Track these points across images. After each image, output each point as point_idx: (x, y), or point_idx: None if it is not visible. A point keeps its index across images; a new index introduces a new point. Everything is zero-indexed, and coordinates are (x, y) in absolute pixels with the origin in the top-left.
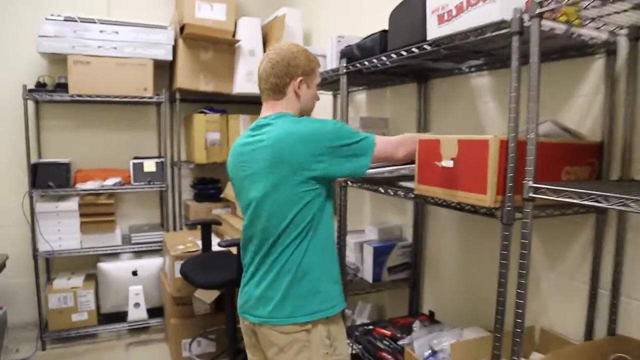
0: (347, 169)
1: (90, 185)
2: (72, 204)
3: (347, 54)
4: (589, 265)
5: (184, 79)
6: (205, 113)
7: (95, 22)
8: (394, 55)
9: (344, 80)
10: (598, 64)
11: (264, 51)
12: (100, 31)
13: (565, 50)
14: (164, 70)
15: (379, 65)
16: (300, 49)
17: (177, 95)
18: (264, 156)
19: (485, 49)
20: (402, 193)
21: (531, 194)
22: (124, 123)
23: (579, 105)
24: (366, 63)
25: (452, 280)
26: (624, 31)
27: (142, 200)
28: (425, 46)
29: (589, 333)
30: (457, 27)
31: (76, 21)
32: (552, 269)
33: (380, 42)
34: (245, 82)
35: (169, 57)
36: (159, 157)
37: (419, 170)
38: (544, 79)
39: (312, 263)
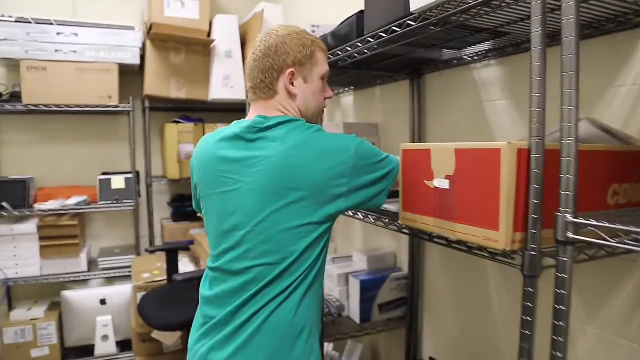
0: (366, 197)
1: (50, 205)
2: (31, 226)
3: None
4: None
5: (153, 85)
6: (178, 123)
7: (52, 24)
8: (370, 40)
9: None
10: None
11: (243, 52)
12: (58, 33)
13: (602, 22)
14: (135, 76)
15: (355, 54)
16: (291, 31)
17: (147, 104)
18: (265, 176)
19: (491, 25)
20: (386, 220)
21: (570, 234)
22: (93, 135)
23: (623, 97)
24: (339, 53)
25: (457, 322)
26: None
27: (114, 220)
28: (410, 22)
29: None
30: None
31: (30, 22)
32: (591, 321)
33: (357, 25)
34: (222, 87)
35: (136, 61)
36: (130, 172)
37: (404, 192)
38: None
39: (306, 319)
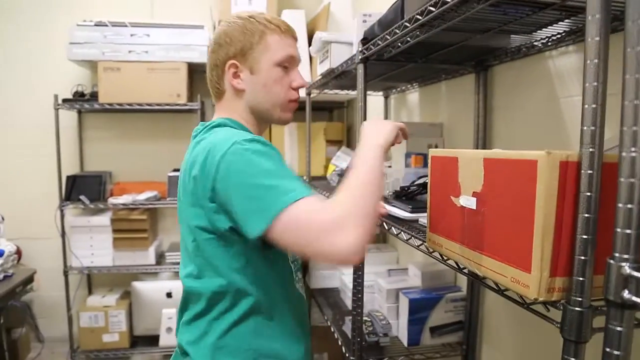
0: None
1: (123, 199)
2: (105, 218)
3: (369, 35)
4: None
5: None
6: None
7: (126, 26)
8: (407, 24)
9: (360, 70)
10: None
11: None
12: (131, 35)
13: None
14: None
15: (399, 43)
16: (239, 18)
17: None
18: (183, 185)
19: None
20: (407, 237)
21: (628, 294)
22: (165, 133)
23: None
24: (379, 42)
25: (518, 356)
26: None
27: None
28: None
29: None
30: None
31: (107, 25)
32: None
33: (401, 10)
34: None
35: (204, 60)
36: None
37: (430, 209)
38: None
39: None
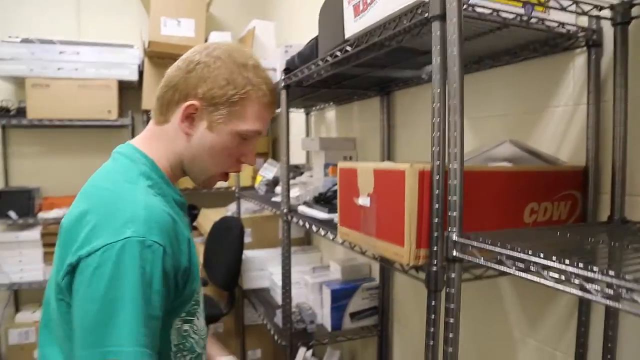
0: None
1: (53, 213)
2: (34, 233)
3: (290, 64)
4: (574, 334)
5: (151, 99)
6: None
7: (54, 43)
8: (320, 63)
9: (283, 95)
10: (579, 62)
11: None
12: (60, 52)
13: (533, 44)
14: (135, 91)
15: (314, 75)
16: (230, 55)
17: (144, 118)
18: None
19: (423, 49)
20: (324, 232)
21: (457, 253)
22: (95, 148)
23: (557, 120)
24: (299, 74)
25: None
26: (606, 13)
27: None
28: (347, 47)
29: None
30: (373, 17)
31: (34, 42)
32: (532, 333)
33: (315, 47)
34: None
35: (134, 77)
36: None
37: (340, 207)
38: (507, 84)
39: None
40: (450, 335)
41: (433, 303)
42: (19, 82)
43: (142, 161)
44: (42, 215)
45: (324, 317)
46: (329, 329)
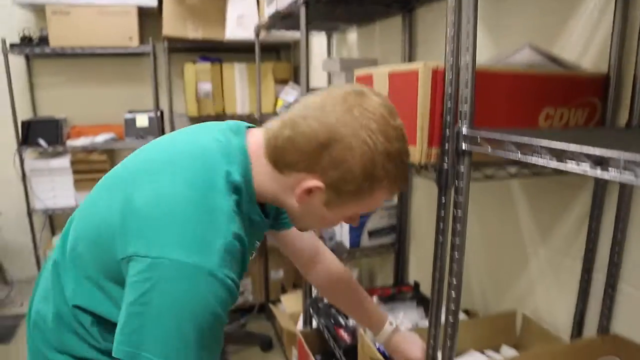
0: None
1: (81, 141)
2: (64, 161)
3: None
4: (584, 241)
5: (170, 26)
6: (196, 62)
7: None
8: None
9: (302, 12)
10: None
11: None
12: None
13: None
14: (155, 18)
15: None
16: (374, 137)
17: (165, 45)
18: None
19: None
20: None
21: (466, 146)
22: (118, 76)
23: (581, 27)
24: None
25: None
26: None
27: None
28: None
29: (578, 326)
30: None
31: None
32: (543, 244)
33: None
34: (236, 27)
35: (154, 3)
36: (153, 110)
37: None
38: None
39: None
40: (458, 227)
41: (443, 200)
42: (38, 9)
43: (244, 175)
44: (71, 143)
45: (343, 235)
46: (348, 246)
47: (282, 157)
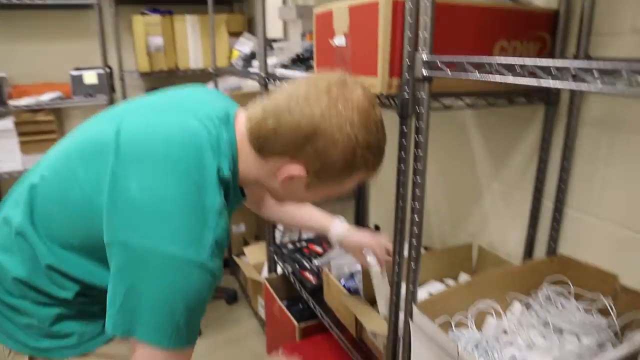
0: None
1: (25, 101)
2: (7, 122)
3: None
4: (534, 172)
5: None
6: (146, 15)
7: None
8: None
9: None
10: None
11: None
12: None
13: None
14: None
15: None
16: (356, 130)
17: None
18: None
19: None
20: None
21: (425, 72)
22: (63, 31)
23: None
24: None
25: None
26: None
27: (92, 115)
28: None
29: (528, 251)
30: None
31: None
32: (496, 177)
33: None
34: None
35: None
36: (102, 67)
37: (316, 53)
38: None
39: None
40: (420, 152)
41: (405, 130)
42: None
43: (232, 169)
44: (13, 102)
45: None
46: None
47: (266, 145)
